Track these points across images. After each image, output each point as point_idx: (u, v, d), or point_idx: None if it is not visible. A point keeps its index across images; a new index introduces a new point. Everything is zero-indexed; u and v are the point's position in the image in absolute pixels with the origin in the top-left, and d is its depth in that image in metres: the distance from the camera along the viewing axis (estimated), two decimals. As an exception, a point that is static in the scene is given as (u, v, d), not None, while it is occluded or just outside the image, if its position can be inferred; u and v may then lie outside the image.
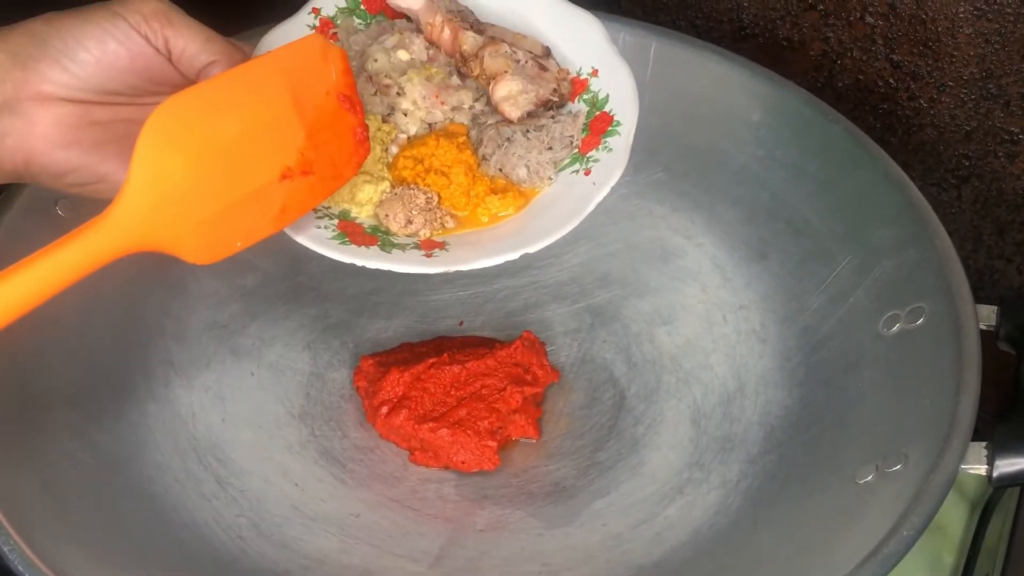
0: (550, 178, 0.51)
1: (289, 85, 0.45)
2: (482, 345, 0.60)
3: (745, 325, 0.61)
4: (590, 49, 0.53)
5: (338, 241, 0.48)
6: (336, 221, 0.49)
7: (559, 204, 0.50)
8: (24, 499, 0.47)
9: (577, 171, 0.51)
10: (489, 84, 0.52)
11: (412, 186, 0.51)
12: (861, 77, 0.69)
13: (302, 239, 0.47)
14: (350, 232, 0.49)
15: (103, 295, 0.57)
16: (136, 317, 0.59)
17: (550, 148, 0.51)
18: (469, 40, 0.52)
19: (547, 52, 0.54)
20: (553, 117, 0.52)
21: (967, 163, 0.69)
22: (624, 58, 0.52)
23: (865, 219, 0.58)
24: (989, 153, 0.68)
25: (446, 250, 0.49)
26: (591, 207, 0.49)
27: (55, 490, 0.48)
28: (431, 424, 0.56)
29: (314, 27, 0.53)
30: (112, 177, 0.45)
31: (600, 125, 0.52)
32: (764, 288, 0.62)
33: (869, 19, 0.66)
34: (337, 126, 0.47)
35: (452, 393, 0.57)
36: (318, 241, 0.47)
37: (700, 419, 0.58)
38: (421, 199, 0.50)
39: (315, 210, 0.49)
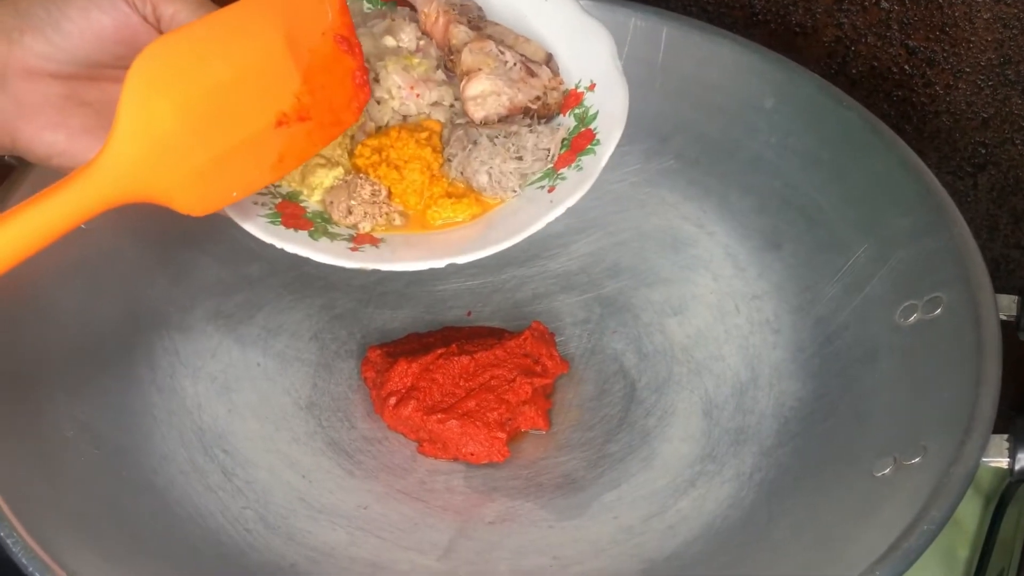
0: (514, 190, 0.49)
1: (283, 26, 0.43)
2: (491, 335, 0.60)
3: (758, 315, 0.60)
4: (594, 61, 0.51)
5: (267, 220, 0.46)
6: (278, 200, 0.47)
7: (513, 219, 0.47)
8: (27, 490, 0.46)
9: (543, 187, 0.48)
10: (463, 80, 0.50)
11: (362, 176, 0.49)
12: (876, 63, 0.68)
13: (232, 214, 0.45)
14: (286, 214, 0.47)
15: (106, 285, 0.57)
16: (140, 307, 0.58)
17: (519, 158, 0.48)
18: (459, 34, 0.50)
19: (547, 59, 0.52)
20: (530, 127, 0.50)
21: (983, 151, 0.68)
22: (625, 77, 0.50)
23: (881, 207, 0.58)
24: (1006, 141, 0.67)
25: (377, 247, 0.47)
26: (538, 226, 0.46)
27: (58, 481, 0.48)
28: (440, 415, 0.55)
29: None
30: (87, 154, 0.44)
31: (581, 142, 0.49)
32: (777, 278, 0.61)
33: (884, 4, 0.65)
34: (335, 69, 0.45)
35: (461, 384, 0.56)
36: (245, 216, 0.45)
37: (712, 411, 0.57)
38: (367, 191, 0.48)
39: None
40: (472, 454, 0.55)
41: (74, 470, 0.49)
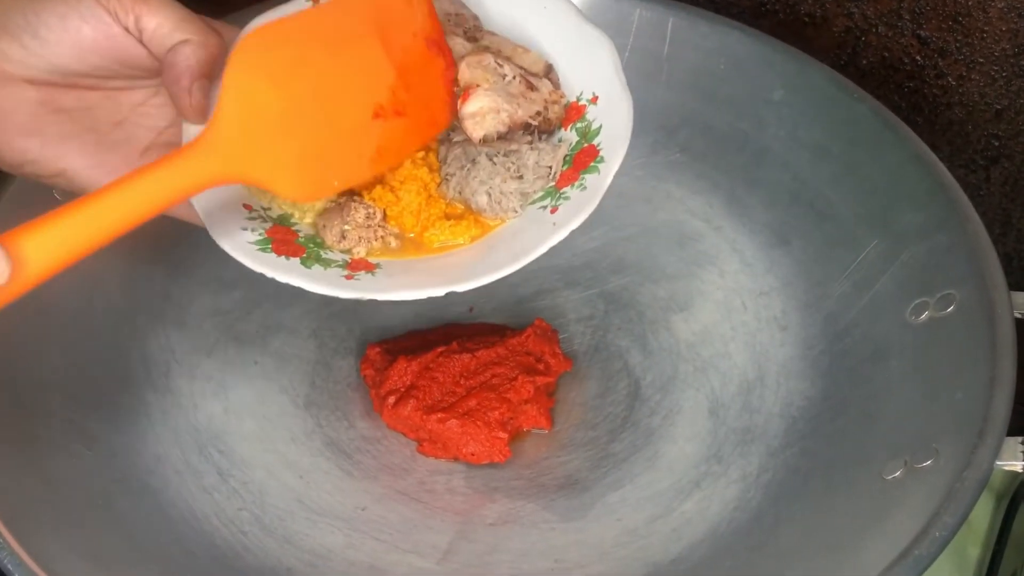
0: (515, 211, 0.47)
1: (375, 23, 0.44)
2: (493, 333, 0.59)
3: (766, 312, 0.59)
4: (596, 73, 0.49)
5: (258, 247, 0.45)
6: (269, 225, 0.46)
7: (515, 241, 0.46)
8: (15, 491, 0.45)
9: (545, 207, 0.46)
10: (461, 96, 0.48)
11: (356, 198, 0.47)
12: (887, 54, 0.67)
13: (220, 239, 0.44)
14: (277, 239, 0.46)
15: (101, 281, 0.56)
16: (135, 303, 0.57)
17: (520, 177, 0.47)
18: (456, 46, 0.49)
19: (547, 70, 0.50)
20: (531, 143, 0.48)
21: (997, 143, 0.67)
22: (628, 90, 0.48)
23: (892, 202, 0.56)
24: (1020, 133, 0.66)
25: (373, 274, 0.45)
26: (542, 250, 0.44)
27: (48, 482, 0.47)
28: (440, 415, 0.54)
29: None
30: (71, 173, 0.43)
31: (584, 159, 0.47)
32: (786, 274, 0.60)
33: (896, -7, 0.64)
34: (427, 70, 0.46)
35: (461, 383, 0.56)
36: (234, 244, 0.44)
37: (718, 410, 0.56)
38: (361, 214, 0.47)
39: (249, 209, 0.47)
40: (473, 454, 0.54)
41: (65, 471, 0.48)
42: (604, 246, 0.63)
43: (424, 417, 0.54)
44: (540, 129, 0.48)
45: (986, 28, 0.63)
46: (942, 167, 0.55)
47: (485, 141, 0.47)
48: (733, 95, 0.63)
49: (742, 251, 0.61)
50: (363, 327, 0.60)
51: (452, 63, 0.46)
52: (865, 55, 0.67)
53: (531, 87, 0.48)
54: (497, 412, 0.55)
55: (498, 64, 0.48)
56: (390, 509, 0.52)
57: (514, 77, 0.48)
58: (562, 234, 0.44)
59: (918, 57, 0.66)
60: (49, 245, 0.37)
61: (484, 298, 0.61)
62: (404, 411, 0.55)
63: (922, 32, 0.65)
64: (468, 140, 0.48)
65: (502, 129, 0.47)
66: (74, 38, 0.41)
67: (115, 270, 0.57)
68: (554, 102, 0.49)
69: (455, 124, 0.50)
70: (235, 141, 0.40)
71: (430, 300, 0.60)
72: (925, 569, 0.42)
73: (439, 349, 0.56)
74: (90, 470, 0.49)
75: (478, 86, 0.47)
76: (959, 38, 0.64)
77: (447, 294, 0.61)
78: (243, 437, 0.54)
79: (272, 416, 0.55)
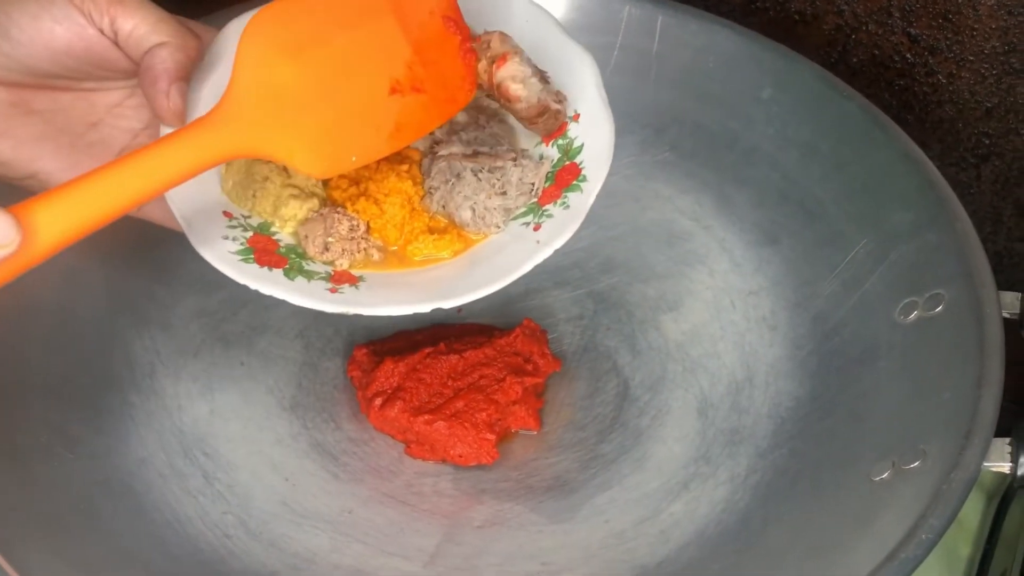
0: (498, 226, 0.47)
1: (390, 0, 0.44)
2: (481, 333, 0.58)
3: (755, 312, 0.59)
4: (577, 90, 0.49)
5: (239, 257, 0.44)
6: (250, 234, 0.46)
7: (498, 257, 0.46)
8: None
9: (528, 224, 0.47)
10: (489, 69, 0.47)
11: (339, 209, 0.47)
12: (877, 52, 0.66)
13: (201, 249, 0.44)
14: (259, 249, 0.45)
15: (84, 281, 0.55)
16: (119, 304, 0.56)
17: (503, 193, 0.47)
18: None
19: (545, 78, 0.49)
20: (515, 160, 0.48)
21: (987, 141, 0.67)
22: (610, 109, 0.48)
23: (881, 201, 0.56)
24: (1011, 131, 0.65)
25: (356, 287, 0.45)
26: (526, 268, 0.44)
27: (29, 485, 0.46)
28: (427, 416, 0.54)
29: None
30: (43, 175, 0.43)
31: (566, 177, 0.47)
32: (775, 273, 0.59)
33: (886, -10, 0.63)
34: (444, 47, 0.46)
35: (449, 384, 0.55)
36: (216, 253, 0.44)
37: (707, 410, 0.55)
38: (344, 226, 0.46)
39: (230, 217, 0.46)
40: (460, 456, 0.54)
41: (46, 474, 0.48)
42: (593, 246, 0.63)
43: (411, 419, 0.54)
44: (551, 123, 0.48)
45: (976, 26, 0.62)
46: (931, 165, 0.55)
47: (526, 106, 0.46)
48: (722, 93, 0.62)
49: (731, 250, 0.61)
50: (350, 328, 0.59)
51: (469, 39, 0.46)
52: (855, 53, 0.67)
53: (544, 79, 0.48)
54: (485, 413, 0.54)
55: (519, 49, 0.48)
56: (376, 512, 0.52)
57: (534, 67, 0.48)
58: (546, 252, 0.45)
59: (908, 55, 0.66)
60: (60, 217, 0.37)
61: (472, 298, 0.61)
62: (391, 413, 0.54)
63: (912, 30, 0.64)
64: (453, 155, 0.48)
65: (533, 101, 0.47)
66: (47, 39, 0.41)
67: (98, 271, 0.56)
68: (562, 100, 0.49)
69: (444, 135, 0.49)
70: (250, 113, 0.40)
71: (418, 300, 0.61)
72: (913, 570, 0.41)
73: (426, 350, 0.56)
74: (72, 473, 0.49)
75: (512, 53, 0.47)
76: (949, 36, 0.63)
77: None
78: (228, 439, 0.54)
79: (258, 418, 0.55)
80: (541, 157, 0.49)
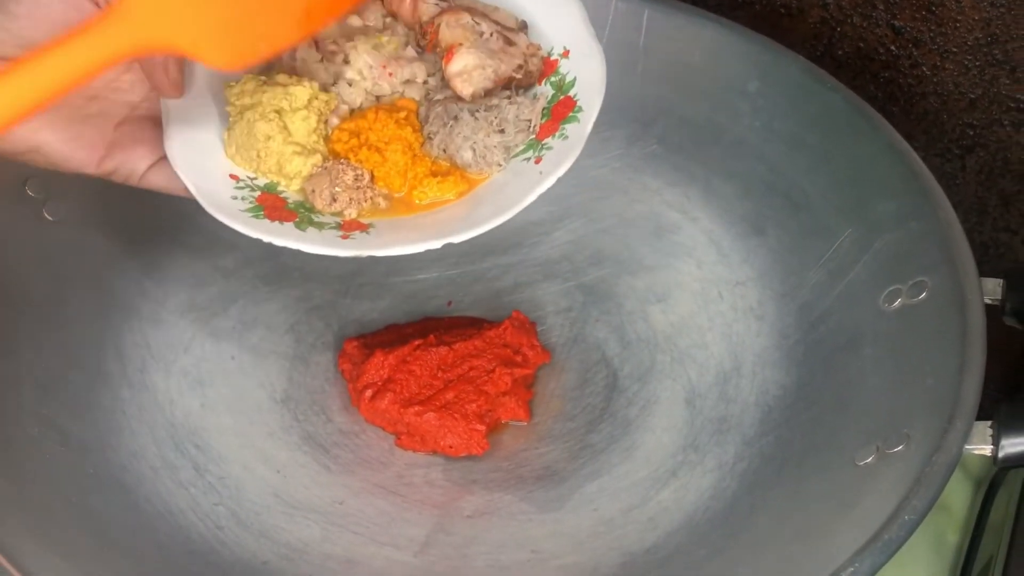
0: (499, 164, 0.48)
1: None
2: (470, 326, 0.59)
3: (742, 302, 0.59)
4: (565, 27, 0.49)
5: (251, 214, 0.45)
6: (257, 193, 0.46)
7: (502, 193, 0.46)
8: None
9: (529, 159, 0.47)
10: (444, 55, 0.48)
11: (342, 161, 0.48)
12: (862, 44, 0.67)
13: (211, 208, 0.44)
14: (268, 206, 0.46)
15: (75, 276, 0.56)
16: (110, 299, 0.57)
17: (502, 131, 0.47)
18: (429, 11, 0.49)
19: (522, 26, 0.50)
20: (509, 98, 0.48)
21: (972, 132, 0.67)
22: (599, 42, 0.49)
23: (866, 191, 0.57)
24: (994, 122, 0.66)
25: (367, 233, 0.46)
26: (531, 198, 0.45)
27: (19, 480, 0.47)
28: (417, 408, 0.54)
29: None
30: (45, 148, 0.43)
31: (562, 110, 0.48)
32: (761, 264, 0.60)
33: (870, -17, 0.64)
34: None
35: (439, 376, 0.56)
36: (228, 212, 0.44)
37: (695, 400, 0.56)
38: (349, 176, 0.47)
39: (236, 179, 0.46)
40: (451, 447, 0.54)
41: (38, 468, 0.48)
42: (582, 238, 0.63)
43: (401, 410, 0.54)
44: (522, 83, 0.49)
45: (959, 17, 0.63)
46: (915, 155, 0.55)
47: (473, 97, 0.48)
48: (709, 87, 0.63)
49: (719, 242, 0.62)
50: (341, 322, 0.60)
51: None
52: (840, 45, 0.67)
53: (509, 42, 0.49)
54: (475, 404, 0.55)
55: (475, 22, 0.49)
56: (368, 503, 0.52)
57: (491, 34, 0.48)
58: (549, 182, 0.45)
59: (893, 47, 0.66)
60: None
61: (462, 292, 0.61)
62: (381, 404, 0.55)
63: (896, 22, 0.65)
64: (449, 98, 0.48)
65: (488, 85, 0.48)
66: (44, 13, 0.41)
67: (88, 266, 0.57)
68: (532, 55, 0.49)
69: (437, 84, 0.50)
70: (149, 5, 0.38)
71: (407, 294, 0.61)
72: (894, 553, 0.42)
73: (416, 342, 0.56)
74: (63, 467, 0.49)
75: (460, 45, 0.47)
76: (933, 28, 0.64)
77: (426, 287, 0.61)
78: (220, 432, 0.54)
79: (249, 411, 0.55)
80: (535, 95, 0.49)
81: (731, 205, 0.62)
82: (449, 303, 0.61)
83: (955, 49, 0.64)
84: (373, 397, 0.55)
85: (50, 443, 0.49)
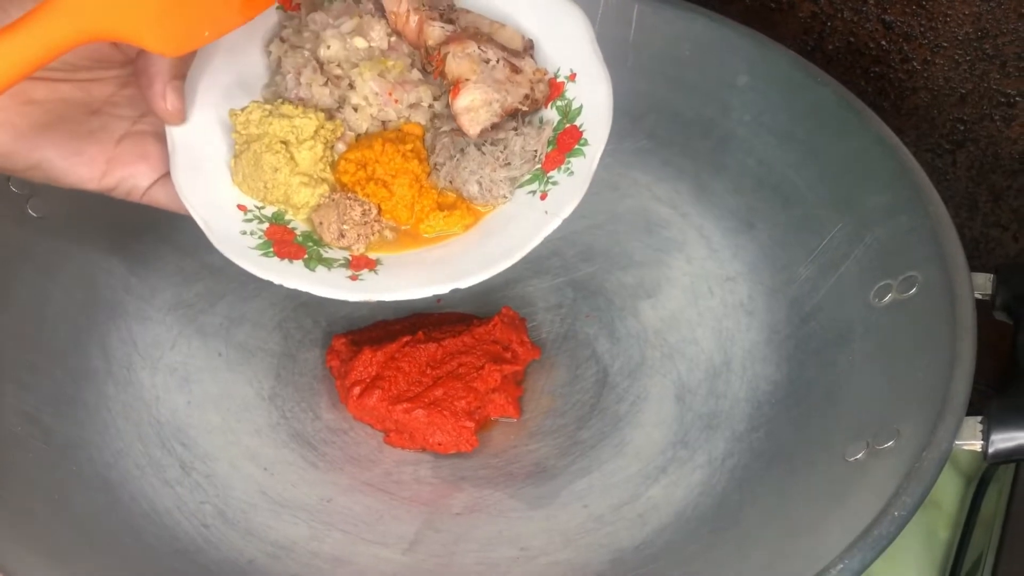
0: (505, 196, 0.48)
1: None
2: (460, 322, 0.58)
3: (732, 297, 0.59)
4: (572, 48, 0.49)
5: (260, 252, 0.45)
6: (266, 226, 0.46)
7: (507, 230, 0.46)
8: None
9: (534, 192, 0.47)
10: (451, 88, 0.48)
11: (350, 195, 0.48)
12: (852, 39, 0.67)
13: (222, 248, 0.44)
14: (277, 240, 0.46)
15: (60, 273, 0.55)
16: (95, 296, 0.56)
17: (508, 164, 0.47)
18: (435, 34, 0.48)
19: (528, 47, 0.50)
20: (516, 129, 0.48)
21: (962, 127, 0.67)
22: (606, 67, 0.48)
23: (856, 186, 0.56)
24: (985, 117, 0.66)
25: (375, 272, 0.46)
26: (537, 240, 0.45)
27: (1, 478, 0.46)
28: (405, 405, 0.54)
29: None
30: (46, 164, 0.43)
31: (568, 140, 0.48)
32: (751, 259, 0.60)
33: (860, -23, 0.64)
34: None
35: (428, 372, 0.55)
36: (238, 251, 0.45)
37: (685, 395, 0.56)
38: (357, 211, 0.47)
39: (244, 211, 0.46)
40: (440, 444, 0.54)
41: (20, 465, 0.48)
42: (572, 234, 0.63)
43: (390, 407, 0.54)
44: (528, 110, 0.49)
45: (949, 12, 0.63)
46: (905, 150, 0.55)
47: (482, 134, 0.48)
48: (699, 81, 0.62)
49: (709, 237, 0.61)
50: (329, 319, 0.59)
51: None
52: (831, 40, 0.67)
53: (516, 70, 0.48)
54: (464, 401, 0.54)
55: (481, 51, 0.48)
56: (356, 500, 0.52)
57: (498, 61, 0.48)
58: (555, 223, 0.45)
59: (883, 42, 0.66)
60: None
61: (452, 288, 0.61)
62: (370, 401, 0.54)
63: (887, 17, 0.65)
64: (456, 130, 0.48)
65: (495, 120, 0.47)
66: None
67: (73, 263, 0.56)
68: (539, 80, 0.49)
69: (443, 110, 0.49)
70: None
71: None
72: (884, 549, 0.42)
73: (405, 339, 0.56)
74: (47, 464, 0.48)
75: (467, 80, 0.47)
76: (923, 22, 0.64)
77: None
78: (207, 430, 0.54)
79: (236, 409, 0.55)
80: (541, 122, 0.49)
81: (721, 200, 0.62)
82: (438, 299, 0.61)
83: (945, 44, 0.64)
84: (361, 394, 0.55)
85: (33, 441, 0.49)
